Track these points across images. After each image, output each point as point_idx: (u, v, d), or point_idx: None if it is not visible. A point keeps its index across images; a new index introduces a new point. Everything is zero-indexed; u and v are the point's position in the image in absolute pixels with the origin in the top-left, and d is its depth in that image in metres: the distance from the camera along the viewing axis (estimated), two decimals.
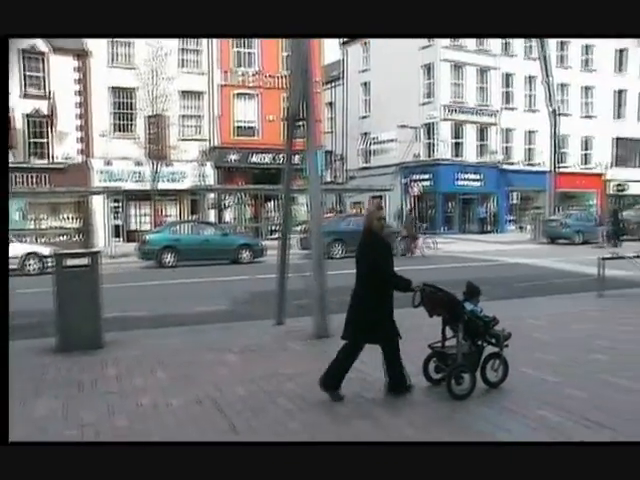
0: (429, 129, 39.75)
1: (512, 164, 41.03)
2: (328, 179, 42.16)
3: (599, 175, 44.64)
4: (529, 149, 42.14)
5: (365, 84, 44.79)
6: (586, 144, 44.45)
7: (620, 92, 45.62)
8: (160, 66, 29.14)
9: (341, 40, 45.95)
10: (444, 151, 38.99)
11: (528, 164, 41.71)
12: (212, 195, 33.39)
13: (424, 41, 38.94)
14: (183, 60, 32.40)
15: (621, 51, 45.35)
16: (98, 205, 28.60)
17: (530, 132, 41.78)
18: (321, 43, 34.02)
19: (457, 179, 39.27)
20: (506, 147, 41.31)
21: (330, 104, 46.28)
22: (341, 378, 5.89)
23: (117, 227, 30.62)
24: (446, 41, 38.44)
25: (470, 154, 40.03)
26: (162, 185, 30.07)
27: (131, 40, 30.65)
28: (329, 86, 44.68)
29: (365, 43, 44.65)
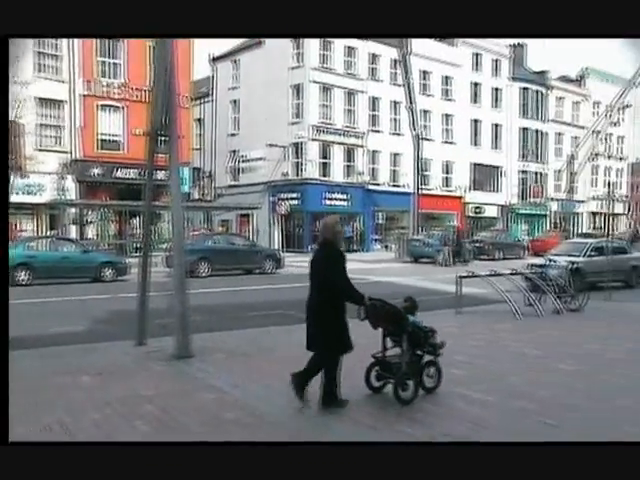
0: (297, 149, 40.23)
1: (378, 185, 42.41)
2: (196, 196, 41.50)
3: (459, 197, 47.23)
4: (394, 171, 43.77)
5: (235, 102, 44.67)
6: (447, 168, 46.93)
7: (476, 121, 48.66)
8: (11, 68, 27.29)
9: (211, 56, 45.60)
10: (312, 171, 39.59)
11: (393, 185, 43.31)
12: (73, 210, 31.73)
13: (294, 61, 39.56)
14: (40, 64, 30.64)
15: (476, 84, 48.48)
16: None
17: (395, 154, 43.44)
18: (190, 57, 33.54)
19: (324, 198, 39.95)
20: (372, 168, 42.64)
21: (199, 120, 45.69)
22: (305, 385, 6.03)
23: None
24: (315, 62, 39.24)
25: (337, 174, 40.91)
26: (16, 198, 28.16)
27: None
28: (198, 102, 44.09)
29: (235, 61, 44.63)
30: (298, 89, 40.11)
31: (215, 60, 45.92)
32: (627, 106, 55.11)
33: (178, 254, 9.09)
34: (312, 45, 38.93)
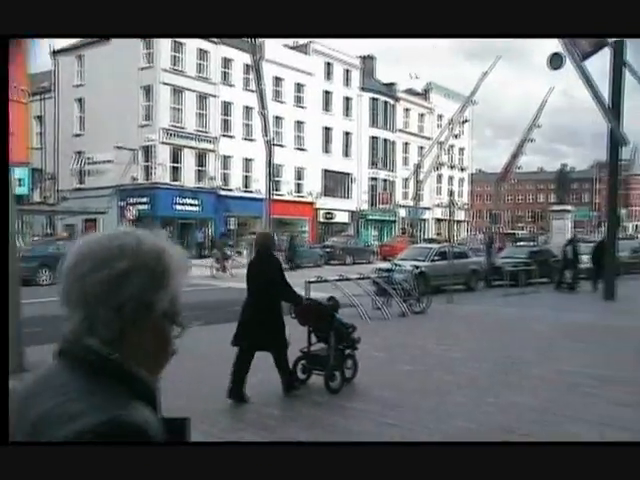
0: (147, 152, 38.84)
1: (230, 190, 41.95)
2: (37, 199, 38.82)
3: (310, 204, 47.86)
4: (246, 176, 43.51)
5: (80, 100, 42.27)
6: (299, 174, 47.42)
7: (327, 129, 49.66)
8: None
9: (51, 47, 42.65)
10: (162, 175, 38.38)
11: (245, 191, 43.03)
12: None
13: (144, 61, 38.18)
14: None
15: (327, 93, 49.49)
16: None
17: (247, 160, 43.21)
18: (26, 44, 31.20)
19: (175, 203, 38.89)
20: (224, 173, 42.12)
21: (39, 117, 42.84)
22: (241, 385, 6.61)
23: None
24: (166, 64, 38.13)
25: (188, 179, 40.00)
26: None
27: None
28: (38, 97, 41.26)
29: (80, 56, 42.25)
30: (148, 90, 38.75)
31: (56, 53, 43.11)
32: (466, 120, 58.75)
33: (12, 261, 8.20)
34: (163, 45, 37.79)
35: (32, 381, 1.17)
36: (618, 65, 18.60)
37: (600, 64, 19.54)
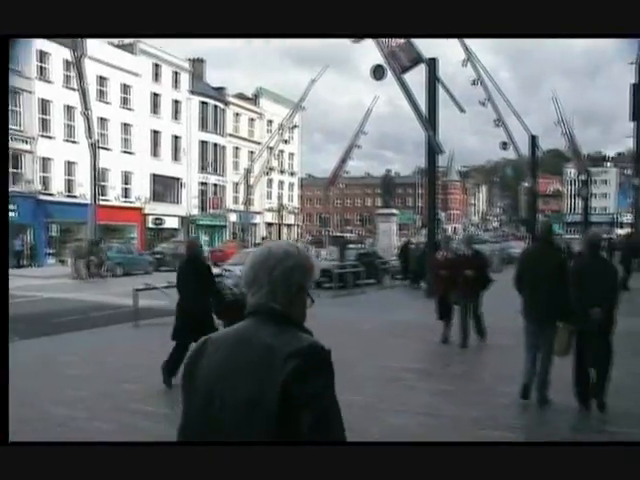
0: None
1: (51, 195, 39.44)
2: None
3: (139, 209, 46.33)
4: (69, 180, 41.16)
5: None
6: (126, 178, 45.65)
7: (156, 132, 48.39)
8: None
9: None
10: None
11: (68, 195, 40.66)
12: None
13: None
14: None
15: (156, 95, 48.26)
16: None
17: (70, 163, 40.86)
18: None
19: None
20: (44, 177, 39.49)
21: None
22: (174, 372, 7.37)
23: None
24: None
25: None
26: None
27: None
28: None
29: None
30: None
31: None
32: (295, 126, 60.01)
33: None
34: None
35: (234, 330, 1.92)
36: (432, 80, 20.06)
37: (419, 77, 20.91)
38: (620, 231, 69.73)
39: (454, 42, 26.07)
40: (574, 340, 6.55)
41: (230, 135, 57.25)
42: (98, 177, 38.21)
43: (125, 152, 45.16)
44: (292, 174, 69.00)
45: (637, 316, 13.09)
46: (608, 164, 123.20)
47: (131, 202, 45.76)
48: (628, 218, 69.11)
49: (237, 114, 59.03)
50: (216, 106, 55.02)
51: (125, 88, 45.29)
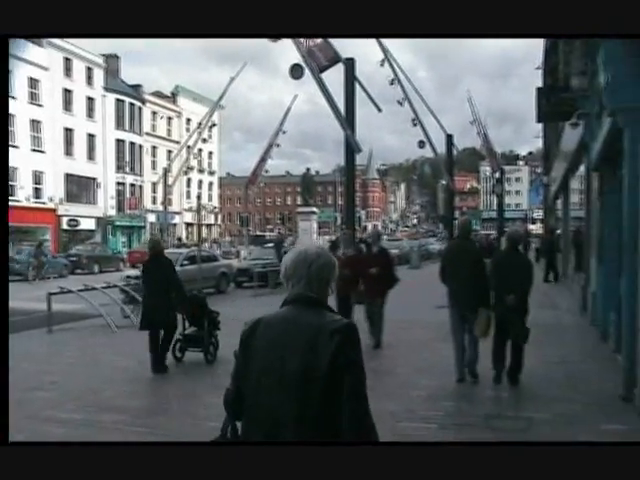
0: None
1: None
2: None
3: (52, 210, 44.61)
4: None
5: None
6: (37, 178, 43.80)
7: (69, 130, 46.74)
8: None
9: None
10: None
11: None
12: None
13: None
14: None
15: (68, 91, 46.58)
16: None
17: None
18: None
19: None
20: None
21: None
22: (160, 360, 8.69)
23: None
24: None
25: None
26: None
27: None
28: None
29: None
30: None
31: None
32: (214, 125, 59.31)
33: None
34: None
35: (282, 312, 2.38)
36: (350, 79, 20.30)
37: (338, 76, 21.06)
38: (532, 226, 72.78)
39: (372, 42, 26.39)
40: (493, 323, 7.45)
41: (147, 134, 56.07)
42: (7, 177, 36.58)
43: (35, 150, 43.34)
44: (211, 173, 68.27)
45: (550, 308, 13.75)
46: (520, 163, 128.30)
47: (43, 203, 44.03)
48: (539, 214, 71.96)
49: (155, 112, 57.87)
50: (132, 104, 53.74)
51: (33, 82, 43.42)
